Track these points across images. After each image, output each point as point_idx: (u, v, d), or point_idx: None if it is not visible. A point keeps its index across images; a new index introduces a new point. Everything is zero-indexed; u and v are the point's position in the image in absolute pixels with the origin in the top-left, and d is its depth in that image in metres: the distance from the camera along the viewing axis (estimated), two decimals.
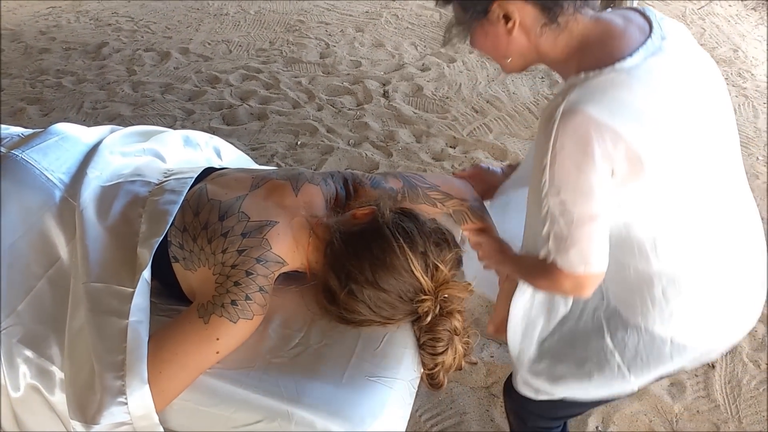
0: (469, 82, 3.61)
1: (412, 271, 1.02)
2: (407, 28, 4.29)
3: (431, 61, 3.82)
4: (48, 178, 1.20)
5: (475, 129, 3.18)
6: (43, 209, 1.15)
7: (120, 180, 1.22)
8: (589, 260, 0.99)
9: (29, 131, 1.46)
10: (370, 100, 3.38)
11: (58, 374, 1.02)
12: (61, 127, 1.36)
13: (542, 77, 3.61)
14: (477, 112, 3.32)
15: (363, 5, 4.72)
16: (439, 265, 1.04)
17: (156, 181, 1.22)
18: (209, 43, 4.27)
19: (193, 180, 1.20)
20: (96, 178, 1.20)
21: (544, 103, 3.33)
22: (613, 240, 1.03)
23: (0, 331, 1.05)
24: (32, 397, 1.03)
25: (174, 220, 1.12)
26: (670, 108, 0.95)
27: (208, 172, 1.27)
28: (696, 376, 1.88)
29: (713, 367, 1.90)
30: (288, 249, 1.09)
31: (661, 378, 1.18)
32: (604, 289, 1.16)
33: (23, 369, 1.03)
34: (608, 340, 1.13)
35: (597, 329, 1.15)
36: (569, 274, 1.00)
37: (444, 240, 1.10)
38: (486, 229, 1.24)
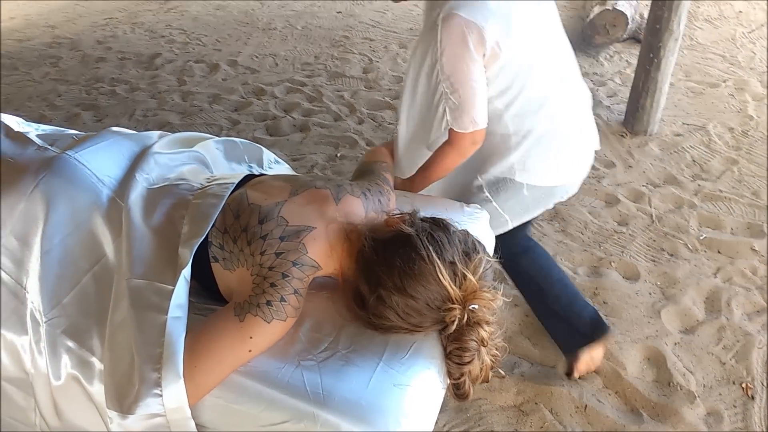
0: None
1: (440, 280, 1.03)
2: None
3: None
4: (98, 179, 1.25)
5: None
6: (92, 208, 1.21)
7: (165, 183, 1.27)
8: (476, 120, 1.43)
9: (83, 134, 1.54)
10: None
11: (98, 365, 1.06)
12: (113, 131, 1.43)
13: None
14: None
15: (407, 23, 4.79)
16: (467, 274, 1.05)
17: (199, 186, 1.27)
18: (257, 57, 4.39)
19: (234, 185, 1.24)
20: (143, 181, 1.25)
21: None
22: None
23: (46, 321, 1.10)
24: (72, 386, 1.07)
25: (215, 222, 1.16)
26: (517, 11, 1.40)
27: (248, 178, 1.31)
28: (734, 406, 1.82)
29: (753, 398, 1.84)
30: (323, 254, 1.12)
31: (532, 218, 1.72)
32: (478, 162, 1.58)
33: (65, 359, 1.08)
34: (486, 193, 1.61)
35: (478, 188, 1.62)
36: (465, 135, 1.45)
37: (474, 250, 1.11)
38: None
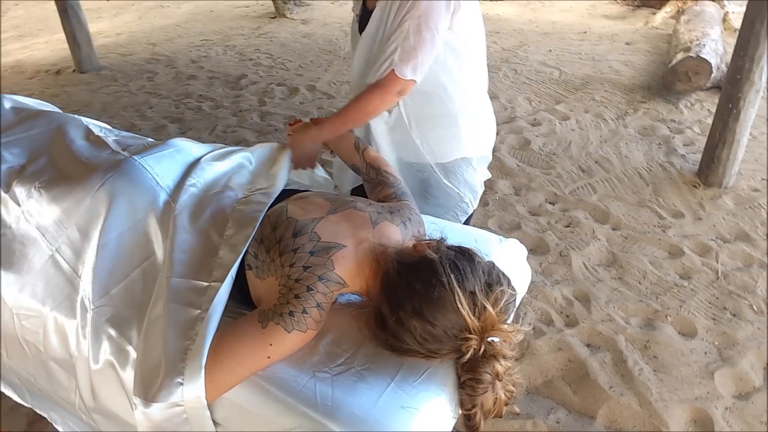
0: (580, 140, 3.56)
1: (458, 309, 1.04)
2: (524, 82, 4.33)
3: (543, 117, 3.82)
4: (157, 183, 1.36)
5: (578, 188, 3.12)
6: (148, 208, 1.31)
7: (213, 191, 1.37)
8: (418, 70, 1.47)
9: (154, 141, 1.68)
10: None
11: (132, 354, 1.14)
12: (178, 140, 1.54)
13: (659, 144, 3.48)
14: (583, 171, 3.26)
15: None
16: (486, 305, 1.06)
17: (242, 195, 1.35)
18: (334, 83, 4.56)
19: (276, 197, 1.31)
20: (192, 186, 1.35)
21: (658, 170, 3.21)
22: (430, 93, 1.58)
23: (93, 309, 1.20)
24: (107, 371, 1.16)
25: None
26: None
27: (292, 192, 1.38)
28: None
29: None
30: (350, 272, 1.16)
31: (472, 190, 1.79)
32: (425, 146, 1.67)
33: (105, 345, 1.17)
34: (446, 180, 1.71)
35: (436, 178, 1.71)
36: (400, 80, 1.48)
37: (497, 282, 1.11)
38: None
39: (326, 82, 4.60)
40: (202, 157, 1.47)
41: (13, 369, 1.36)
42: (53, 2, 4.90)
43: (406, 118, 1.62)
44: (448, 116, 1.63)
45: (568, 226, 2.84)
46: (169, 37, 5.95)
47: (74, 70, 5.02)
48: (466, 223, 1.83)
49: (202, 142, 3.85)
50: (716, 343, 2.17)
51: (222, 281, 1.14)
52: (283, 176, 1.49)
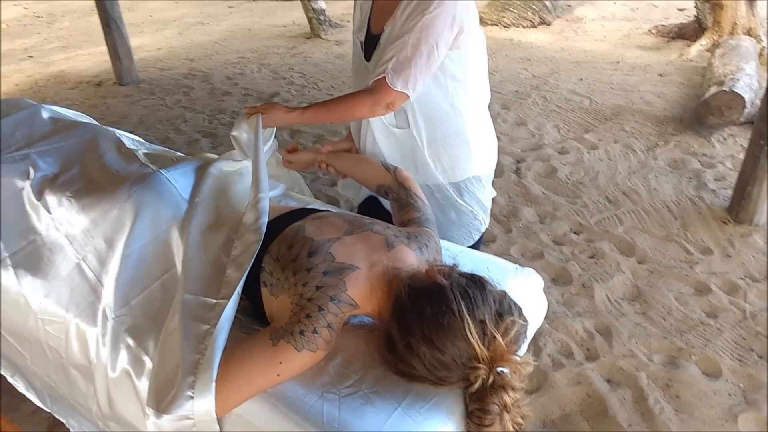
0: (608, 170, 3.53)
1: (467, 337, 1.04)
2: (554, 110, 4.32)
3: (571, 145, 3.80)
4: (181, 197, 1.40)
5: (604, 219, 3.09)
6: (171, 222, 1.35)
7: (217, 203, 1.41)
8: (410, 83, 1.45)
9: (182, 155, 1.73)
10: (500, 175, 3.43)
11: (148, 364, 1.17)
12: (206, 156, 1.59)
13: (689, 177, 3.43)
14: (610, 202, 3.23)
15: (514, 85, 4.84)
16: (496, 335, 1.05)
17: (242, 209, 1.40)
18: None
19: (296, 216, 1.33)
20: (200, 201, 1.39)
21: (687, 204, 3.16)
22: (440, 114, 1.60)
23: (114, 318, 1.23)
24: (124, 380, 1.18)
25: (270, 249, 1.24)
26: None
27: (311, 211, 1.40)
28: None
29: None
30: (362, 294, 1.16)
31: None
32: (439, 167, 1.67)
33: (123, 354, 1.19)
34: (461, 200, 1.73)
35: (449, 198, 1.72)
36: (392, 91, 1.45)
37: (508, 312, 1.10)
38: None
39: None
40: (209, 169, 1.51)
41: (36, 373, 1.40)
42: (97, 16, 5.08)
43: (419, 140, 1.64)
44: (459, 136, 1.64)
45: (592, 257, 2.81)
46: (207, 53, 6.10)
47: (114, 83, 5.18)
48: (478, 242, 1.83)
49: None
50: (741, 385, 2.11)
51: (229, 299, 1.16)
52: (259, 144, 1.49)
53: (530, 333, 1.29)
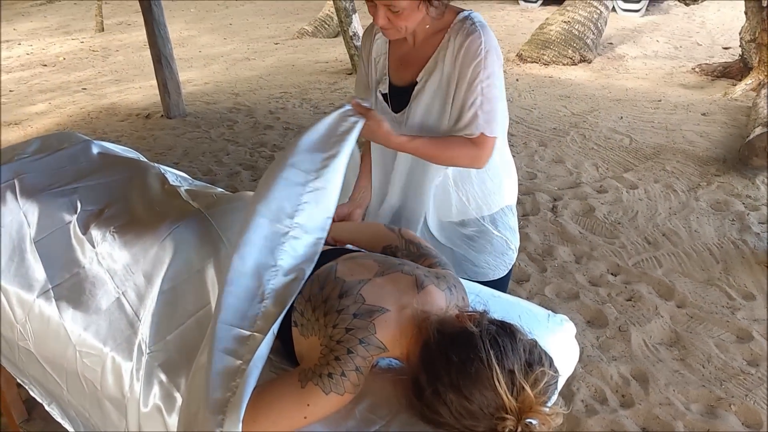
0: (647, 211, 3.47)
1: (496, 387, 1.03)
2: (592, 148, 4.28)
3: (610, 184, 3.76)
4: (219, 236, 1.44)
5: (643, 260, 3.03)
6: (208, 260, 1.39)
7: (270, 230, 1.38)
8: (501, 127, 1.56)
9: (222, 192, 1.78)
10: (536, 212, 3.41)
11: (179, 400, 1.20)
12: (246, 194, 1.63)
13: (732, 220, 3.34)
14: (649, 243, 3.17)
15: (552, 122, 4.83)
16: (525, 386, 1.05)
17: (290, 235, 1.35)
18: None
19: (327, 256, 1.35)
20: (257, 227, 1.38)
21: (730, 247, 3.08)
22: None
23: (149, 353, 1.27)
24: (155, 415, 1.21)
25: (302, 289, 1.27)
26: None
27: (343, 252, 1.42)
28: None
29: None
30: (392, 337, 1.17)
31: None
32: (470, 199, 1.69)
33: (155, 389, 1.23)
34: (495, 231, 1.73)
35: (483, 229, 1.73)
36: (493, 139, 1.52)
37: (538, 362, 1.09)
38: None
39: None
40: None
41: (71, 403, 1.45)
42: (149, 51, 5.31)
43: (452, 179, 1.65)
44: (492, 168, 1.64)
45: (629, 300, 2.75)
46: (252, 88, 6.29)
47: (162, 115, 5.38)
48: (509, 273, 1.83)
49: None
50: None
51: (264, 333, 1.16)
52: (350, 142, 1.43)
53: (561, 381, 1.27)
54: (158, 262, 1.38)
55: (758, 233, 3.19)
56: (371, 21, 1.70)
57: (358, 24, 6.49)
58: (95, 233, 1.53)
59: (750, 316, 2.62)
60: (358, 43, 6.47)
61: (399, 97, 1.62)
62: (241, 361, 1.14)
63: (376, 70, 1.68)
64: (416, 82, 1.58)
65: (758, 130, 3.79)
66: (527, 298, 2.72)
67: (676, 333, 2.54)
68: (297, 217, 1.32)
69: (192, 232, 1.43)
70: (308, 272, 1.28)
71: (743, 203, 3.51)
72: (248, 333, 1.17)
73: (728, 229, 3.25)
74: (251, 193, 1.70)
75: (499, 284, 1.77)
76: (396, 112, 1.64)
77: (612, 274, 2.95)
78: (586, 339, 2.51)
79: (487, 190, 1.69)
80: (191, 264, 1.38)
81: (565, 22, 6.64)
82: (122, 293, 1.40)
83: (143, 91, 6.37)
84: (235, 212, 1.53)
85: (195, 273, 1.37)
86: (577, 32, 6.55)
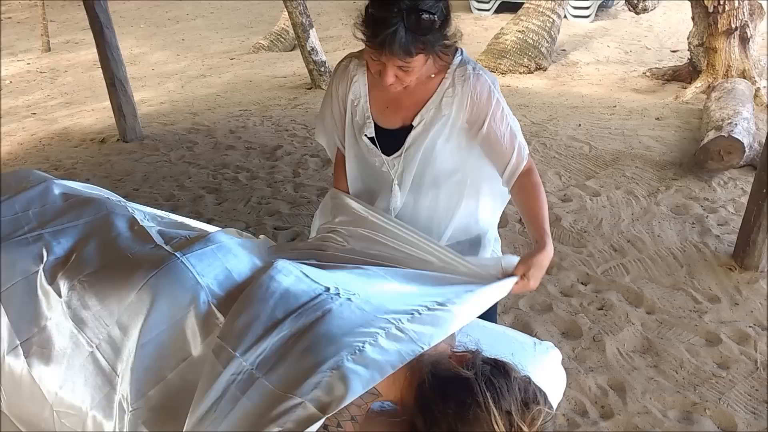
0: (611, 218, 3.55)
1: (494, 429, 1.04)
2: (554, 157, 4.36)
3: (574, 193, 3.83)
4: (198, 282, 1.40)
5: (611, 268, 3.09)
6: (188, 308, 1.34)
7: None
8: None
9: (194, 233, 1.72)
10: (505, 225, 3.44)
11: None
12: (219, 235, 1.59)
13: (693, 223, 3.45)
14: (616, 250, 3.24)
15: None
16: (522, 427, 1.05)
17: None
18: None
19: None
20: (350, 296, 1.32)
21: (692, 251, 3.17)
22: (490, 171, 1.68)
23: (131, 411, 1.22)
24: None
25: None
26: None
27: None
28: None
29: None
30: (385, 383, 1.15)
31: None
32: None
33: None
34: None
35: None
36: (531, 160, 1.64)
37: (534, 400, 1.10)
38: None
39: None
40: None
41: None
42: (101, 71, 5.16)
43: (469, 199, 1.72)
44: (497, 181, 1.69)
45: (600, 309, 2.81)
46: (210, 106, 6.19)
47: (118, 139, 5.24)
48: None
49: (237, 214, 3.88)
50: None
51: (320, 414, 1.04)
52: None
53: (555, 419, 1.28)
54: (135, 314, 1.33)
55: (718, 236, 3.30)
56: (342, 59, 1.70)
57: (315, 39, 6.47)
58: (62, 282, 1.46)
59: (717, 318, 2.70)
60: (317, 58, 6.44)
61: (389, 140, 1.62)
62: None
63: (354, 113, 1.66)
64: (411, 126, 1.59)
65: (711, 135, 3.93)
66: (502, 313, 2.74)
67: (648, 340, 2.59)
68: (411, 322, 1.23)
69: (169, 280, 1.38)
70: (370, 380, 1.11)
71: (701, 206, 3.62)
72: (299, 401, 1.07)
73: (689, 233, 3.35)
74: (225, 234, 1.65)
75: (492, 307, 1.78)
76: (387, 155, 1.64)
77: (582, 283, 3.00)
78: (563, 351, 2.50)
79: (497, 206, 1.82)
80: (171, 313, 1.33)
81: (519, 31, 6.76)
82: (96, 347, 1.34)
83: (96, 113, 6.20)
84: (213, 255, 1.49)
85: (175, 323, 1.32)
86: (531, 41, 6.68)
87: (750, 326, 2.64)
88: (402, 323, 1.21)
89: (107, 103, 5.33)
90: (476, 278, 1.46)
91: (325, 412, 1.03)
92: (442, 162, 1.63)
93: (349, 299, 1.29)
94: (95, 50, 5.13)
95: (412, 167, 1.62)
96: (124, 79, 5.08)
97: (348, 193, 1.78)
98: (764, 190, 2.82)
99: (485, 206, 1.77)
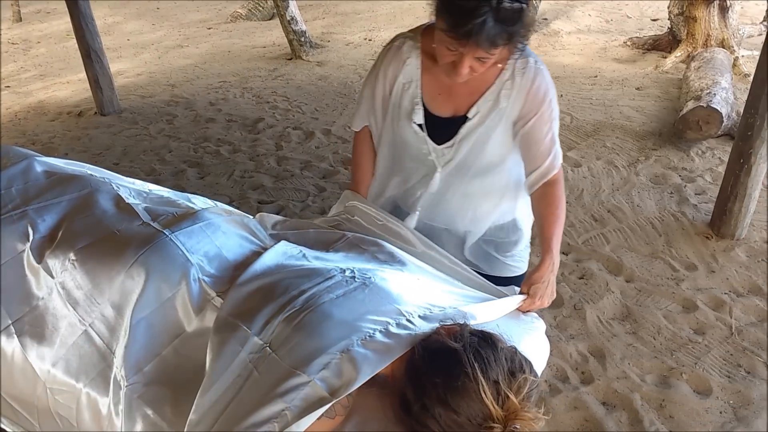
0: (592, 188, 3.60)
1: (482, 398, 1.07)
2: None
3: None
4: (188, 259, 1.41)
5: (591, 238, 3.15)
6: (179, 285, 1.35)
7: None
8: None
9: (181, 210, 1.72)
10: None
11: (167, 429, 1.18)
12: (207, 213, 1.59)
13: (671, 193, 3.51)
14: (596, 220, 3.30)
15: None
16: (509, 395, 1.09)
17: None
18: (349, 128, 4.64)
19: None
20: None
21: (670, 220, 3.24)
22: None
23: (126, 386, 1.24)
24: None
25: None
26: None
27: None
28: None
29: None
30: None
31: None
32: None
33: (139, 424, 1.20)
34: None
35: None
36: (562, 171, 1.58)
37: (520, 369, 1.14)
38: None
39: (341, 126, 4.68)
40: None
41: None
42: (75, 42, 5.04)
43: (506, 192, 1.71)
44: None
45: (581, 278, 2.87)
46: (188, 78, 6.08)
47: (96, 113, 5.14)
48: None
49: (220, 188, 3.84)
50: (731, 402, 2.18)
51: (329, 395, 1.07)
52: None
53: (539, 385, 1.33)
54: (127, 293, 1.34)
55: (695, 204, 3.37)
56: (390, 40, 1.60)
57: (295, 8, 6.36)
58: (52, 263, 1.46)
59: (693, 286, 2.78)
60: (297, 27, 6.34)
61: (441, 128, 1.57)
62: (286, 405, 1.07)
63: (403, 96, 1.59)
64: (465, 116, 1.54)
65: (690, 105, 3.98)
66: None
67: (627, 307, 2.66)
68: (423, 319, 1.25)
69: (159, 258, 1.39)
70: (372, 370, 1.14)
71: (680, 176, 3.69)
72: (308, 379, 1.10)
73: (668, 202, 3.42)
74: (213, 212, 1.64)
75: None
76: (438, 144, 1.59)
77: (564, 253, 3.05)
78: (545, 320, 2.56)
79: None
80: (162, 292, 1.34)
81: None
82: (89, 325, 1.35)
83: (72, 86, 6.07)
84: (201, 233, 1.50)
85: (167, 300, 1.34)
86: None
87: (725, 293, 2.72)
88: (413, 317, 1.24)
89: (83, 75, 5.21)
90: (488, 291, 1.53)
91: (335, 396, 1.07)
92: (490, 154, 1.58)
93: (364, 283, 1.31)
94: (68, 20, 5.00)
95: (461, 158, 1.58)
96: (100, 50, 4.97)
97: (366, 191, 1.76)
98: (741, 160, 2.88)
99: (523, 204, 1.73)
